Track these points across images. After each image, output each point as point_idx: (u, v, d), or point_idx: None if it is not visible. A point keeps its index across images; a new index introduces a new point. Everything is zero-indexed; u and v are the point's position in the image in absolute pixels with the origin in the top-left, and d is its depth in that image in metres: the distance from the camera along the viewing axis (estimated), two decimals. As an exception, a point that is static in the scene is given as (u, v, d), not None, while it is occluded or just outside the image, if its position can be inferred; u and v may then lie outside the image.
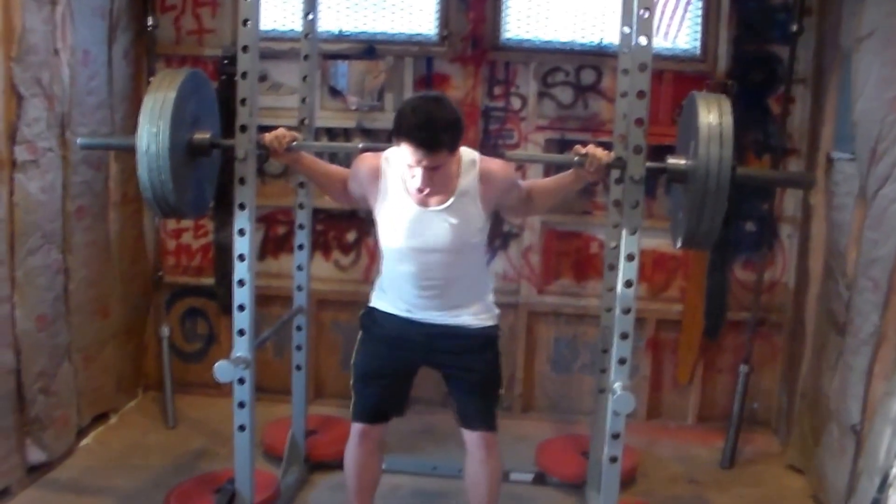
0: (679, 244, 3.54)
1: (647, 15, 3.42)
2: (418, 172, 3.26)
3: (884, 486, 3.79)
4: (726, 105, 3.36)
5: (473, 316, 3.64)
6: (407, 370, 3.76)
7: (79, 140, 4.01)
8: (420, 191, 3.32)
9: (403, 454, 4.85)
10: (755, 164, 5.35)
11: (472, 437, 3.69)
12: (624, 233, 3.50)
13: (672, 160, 3.52)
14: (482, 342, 3.66)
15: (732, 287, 5.50)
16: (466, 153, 3.45)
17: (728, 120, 3.30)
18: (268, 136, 3.62)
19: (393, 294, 3.67)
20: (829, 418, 4.54)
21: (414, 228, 3.45)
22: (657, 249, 5.52)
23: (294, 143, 3.66)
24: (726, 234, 5.22)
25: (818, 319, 4.91)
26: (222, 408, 3.99)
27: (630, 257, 3.47)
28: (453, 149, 3.29)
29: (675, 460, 5.21)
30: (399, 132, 3.24)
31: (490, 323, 3.69)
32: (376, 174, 3.51)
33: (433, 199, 3.41)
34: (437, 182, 3.31)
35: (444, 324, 3.61)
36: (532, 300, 5.61)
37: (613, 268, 4.04)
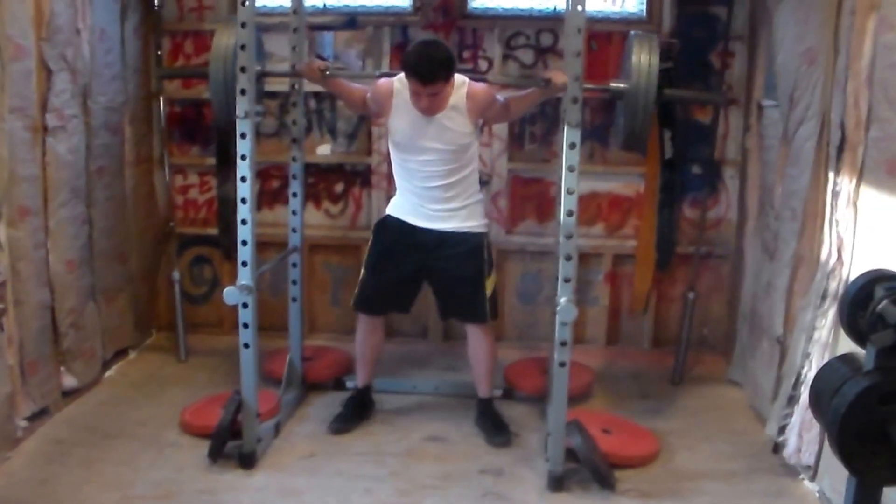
0: (620, 145, 4.69)
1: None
2: (423, 100, 4.34)
3: (797, 383, 4.41)
4: (655, 43, 4.41)
5: (463, 221, 4.67)
6: (410, 270, 4.78)
7: (160, 72, 5.35)
8: (426, 110, 4.38)
9: (388, 377, 5.49)
10: (700, 114, 5.91)
11: (470, 329, 4.85)
12: (563, 170, 4.13)
13: (613, 83, 4.51)
14: (471, 247, 4.67)
15: (682, 224, 6.04)
16: (458, 77, 4.49)
17: (655, 55, 4.34)
18: (305, 68, 4.69)
19: (402, 196, 4.75)
20: (762, 335, 5.11)
21: (419, 129, 4.49)
22: (612, 192, 6.06)
23: (327, 71, 4.64)
24: (674, 177, 5.83)
25: (755, 249, 5.47)
26: (227, 344, 4.54)
27: (570, 191, 4.11)
28: (447, 80, 4.34)
29: (630, 379, 5.80)
30: (406, 70, 4.33)
31: (480, 230, 4.73)
32: (390, 93, 4.56)
33: (432, 111, 4.43)
34: (437, 105, 4.38)
35: (441, 229, 4.66)
36: (501, 240, 6.11)
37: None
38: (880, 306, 2.56)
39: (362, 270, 4.88)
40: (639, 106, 4.30)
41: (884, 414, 2.50)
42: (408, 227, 4.71)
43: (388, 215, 4.82)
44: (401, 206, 4.76)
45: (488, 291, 4.73)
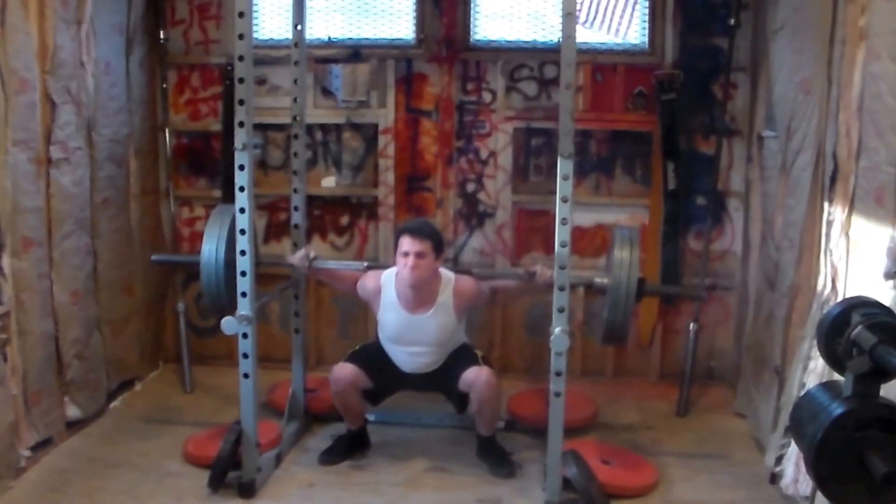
0: (601, 338, 4.75)
1: (569, 17, 4.07)
2: (409, 260, 4.50)
3: (795, 415, 4.42)
4: (636, 239, 4.57)
5: (447, 357, 4.87)
6: (395, 379, 4.95)
7: (153, 257, 5.40)
8: (410, 272, 4.51)
9: (394, 409, 5.48)
10: (703, 145, 5.95)
11: (476, 377, 4.68)
12: (557, 201, 4.15)
13: (597, 279, 4.61)
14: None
15: (686, 256, 6.04)
16: (445, 275, 4.75)
17: (636, 252, 4.49)
18: (295, 259, 4.85)
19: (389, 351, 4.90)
20: (764, 366, 5.11)
21: (405, 330, 4.75)
22: (618, 223, 5.99)
23: (315, 259, 4.84)
24: (678, 209, 5.84)
25: (757, 281, 5.48)
26: (233, 377, 4.54)
27: (563, 221, 4.14)
28: (434, 246, 4.58)
29: (635, 411, 5.78)
30: (399, 232, 4.70)
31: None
32: (378, 291, 4.81)
33: (419, 310, 4.69)
34: (422, 268, 4.53)
35: (427, 373, 4.87)
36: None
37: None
38: (855, 332, 2.55)
39: (352, 353, 4.99)
40: (620, 300, 4.42)
41: (860, 440, 2.50)
42: (396, 366, 4.91)
43: (380, 343, 4.96)
44: (389, 351, 4.91)
45: (479, 354, 4.92)
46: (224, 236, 4.69)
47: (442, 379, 4.86)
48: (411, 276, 4.53)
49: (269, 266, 5.39)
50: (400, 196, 6.18)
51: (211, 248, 4.72)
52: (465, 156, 6.14)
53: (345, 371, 4.81)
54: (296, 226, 5.19)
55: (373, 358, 4.87)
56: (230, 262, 4.50)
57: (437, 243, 4.63)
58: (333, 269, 5.10)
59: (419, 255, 4.51)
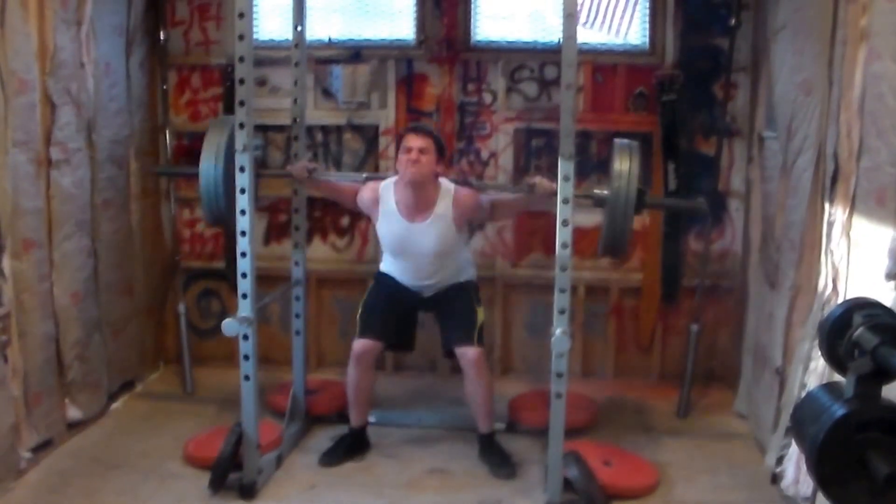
0: (600, 250, 4.70)
1: (570, 17, 4.08)
2: (412, 155, 4.59)
3: (795, 414, 4.41)
4: (636, 151, 4.46)
5: (452, 278, 4.96)
6: (406, 310, 5.02)
7: (156, 168, 5.62)
8: (412, 165, 4.59)
9: (396, 410, 5.53)
10: (704, 145, 5.94)
11: (462, 355, 4.79)
12: (558, 202, 4.15)
13: (596, 191, 4.53)
14: (459, 287, 4.97)
15: (687, 257, 6.04)
16: (445, 184, 4.80)
17: (635, 163, 4.40)
18: (295, 169, 4.91)
19: (392, 266, 5.02)
20: (764, 366, 5.10)
21: (404, 238, 4.82)
22: None
23: (315, 171, 4.92)
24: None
25: (758, 281, 5.46)
26: (234, 377, 4.54)
27: (564, 223, 4.14)
28: (435, 144, 4.68)
29: (636, 412, 5.77)
30: (403, 132, 4.91)
31: (464, 279, 5.01)
32: (376, 200, 4.86)
33: (417, 217, 4.75)
34: (423, 164, 4.61)
35: (433, 285, 4.95)
36: (507, 273, 6.17)
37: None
38: (856, 333, 2.55)
39: (360, 310, 4.99)
40: (619, 209, 4.38)
41: (861, 441, 2.49)
42: (402, 285, 5.00)
43: (383, 272, 5.09)
44: (393, 271, 5.03)
45: (479, 319, 4.86)
46: (223, 145, 4.65)
47: (441, 314, 5.01)
48: (412, 170, 4.63)
49: (268, 268, 5.45)
50: (400, 197, 6.14)
51: (209, 158, 4.69)
52: (466, 157, 6.13)
53: (363, 345, 4.88)
54: (296, 227, 5.19)
55: (379, 309, 4.96)
56: (229, 173, 4.50)
57: (439, 145, 4.75)
58: (333, 182, 5.19)
59: (421, 151, 4.61)
